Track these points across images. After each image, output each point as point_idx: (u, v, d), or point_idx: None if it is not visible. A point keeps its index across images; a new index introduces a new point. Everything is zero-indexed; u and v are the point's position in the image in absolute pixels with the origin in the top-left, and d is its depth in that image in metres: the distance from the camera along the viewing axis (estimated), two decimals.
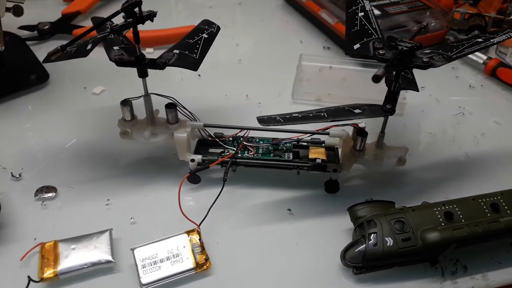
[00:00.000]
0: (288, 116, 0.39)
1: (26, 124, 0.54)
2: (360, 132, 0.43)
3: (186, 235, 0.40)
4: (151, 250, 0.38)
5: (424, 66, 0.38)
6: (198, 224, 0.40)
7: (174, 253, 0.38)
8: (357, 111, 0.39)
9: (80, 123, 0.54)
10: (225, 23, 0.75)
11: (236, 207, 0.44)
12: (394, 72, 0.40)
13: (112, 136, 0.51)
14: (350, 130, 0.45)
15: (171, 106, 0.44)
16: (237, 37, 0.71)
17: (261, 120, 0.39)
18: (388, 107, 0.40)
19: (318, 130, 0.44)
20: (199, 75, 0.63)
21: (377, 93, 0.53)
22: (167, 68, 0.41)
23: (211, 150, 0.47)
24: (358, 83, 0.62)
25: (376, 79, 0.34)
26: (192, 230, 0.40)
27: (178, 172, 0.48)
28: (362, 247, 0.37)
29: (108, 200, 0.44)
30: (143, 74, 0.42)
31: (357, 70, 0.63)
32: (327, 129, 0.44)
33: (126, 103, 0.44)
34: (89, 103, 0.58)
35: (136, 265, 0.37)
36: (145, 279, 0.37)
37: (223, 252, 0.40)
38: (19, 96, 0.58)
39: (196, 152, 0.47)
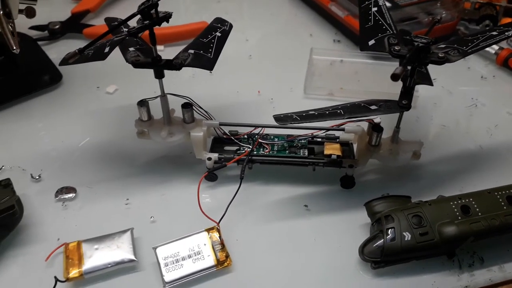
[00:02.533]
0: (304, 114, 0.39)
1: (41, 125, 0.55)
2: (376, 128, 0.43)
3: (206, 233, 0.40)
4: (173, 248, 0.39)
5: (440, 62, 0.38)
6: (218, 221, 0.41)
7: (195, 251, 0.39)
8: (373, 107, 0.40)
9: (95, 123, 0.55)
10: (234, 17, 0.74)
11: (253, 204, 0.45)
12: (409, 68, 0.40)
13: (127, 135, 0.52)
14: (365, 125, 0.45)
15: (187, 106, 0.44)
16: (246, 32, 0.71)
17: (278, 118, 0.39)
18: (404, 103, 0.40)
19: (333, 126, 0.45)
20: (210, 72, 0.62)
21: (390, 86, 0.52)
22: None
23: (227, 147, 0.48)
24: (370, 76, 0.62)
25: (395, 77, 0.34)
26: (212, 228, 0.41)
27: (194, 170, 0.48)
28: (380, 242, 0.38)
29: (128, 199, 0.45)
30: (159, 75, 0.42)
31: (369, 63, 0.63)
32: (342, 125, 0.45)
33: (143, 103, 0.44)
34: (102, 102, 0.58)
35: (159, 263, 0.38)
36: (168, 277, 0.37)
37: (242, 249, 0.41)
38: (33, 97, 0.59)
39: (212, 150, 0.47)
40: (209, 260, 0.39)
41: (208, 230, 0.41)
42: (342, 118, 0.39)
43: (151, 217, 0.43)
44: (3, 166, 0.49)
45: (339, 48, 0.67)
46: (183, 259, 0.38)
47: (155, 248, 0.39)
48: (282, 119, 0.39)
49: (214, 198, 0.46)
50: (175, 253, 0.39)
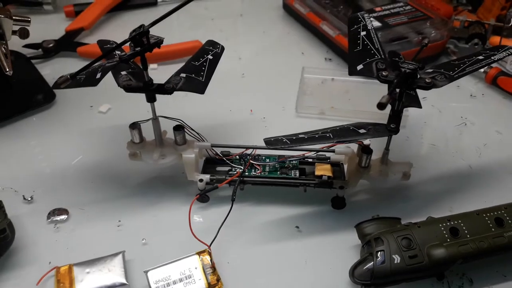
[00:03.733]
0: (294, 138, 0.40)
1: (34, 145, 0.55)
2: (365, 150, 0.44)
3: (197, 256, 0.41)
4: (164, 272, 0.39)
5: (427, 87, 0.39)
6: (209, 244, 0.41)
7: (186, 274, 0.39)
8: (361, 131, 0.40)
9: (88, 142, 0.55)
10: (227, 35, 0.76)
11: (245, 225, 0.45)
12: (397, 91, 0.40)
13: (120, 155, 0.52)
14: (354, 147, 0.46)
15: (179, 128, 0.45)
16: (239, 50, 0.72)
17: (268, 142, 0.39)
18: (392, 127, 0.41)
19: (323, 148, 0.45)
20: None
21: None
22: None
23: (218, 168, 0.48)
24: (361, 95, 0.62)
25: (381, 107, 0.35)
26: (203, 251, 0.41)
27: (187, 191, 0.48)
28: (370, 264, 0.38)
29: (119, 221, 0.45)
30: (151, 99, 0.43)
31: (360, 82, 0.64)
32: (332, 146, 0.45)
33: (134, 126, 0.45)
34: (96, 121, 0.58)
35: (150, 287, 0.38)
36: None
37: (234, 271, 0.41)
38: (26, 116, 0.59)
39: (204, 170, 0.48)
40: (200, 283, 0.39)
41: (199, 253, 0.41)
42: (331, 141, 0.40)
43: (142, 239, 0.44)
44: None
45: (330, 66, 0.68)
46: (174, 283, 0.39)
47: (146, 272, 0.39)
48: (273, 143, 0.39)
49: (206, 219, 0.46)
50: (166, 277, 0.39)
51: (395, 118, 0.41)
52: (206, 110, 0.60)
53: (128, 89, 0.41)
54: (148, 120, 0.45)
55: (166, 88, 0.41)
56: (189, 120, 0.46)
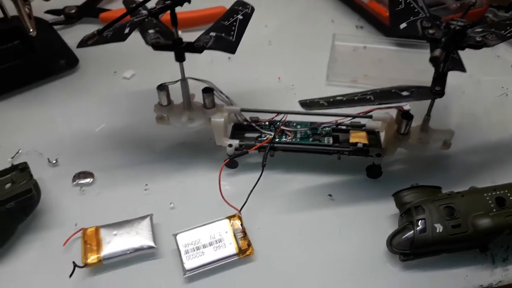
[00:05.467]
0: (332, 100, 0.38)
1: (57, 110, 0.54)
2: (405, 115, 0.41)
3: (227, 220, 0.39)
4: (193, 235, 0.38)
5: (478, 46, 0.36)
6: (239, 209, 0.40)
7: (216, 238, 0.38)
8: (404, 93, 0.38)
9: (111, 108, 0.54)
10: (252, 2, 0.73)
11: (275, 192, 0.43)
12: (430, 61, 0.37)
13: (145, 121, 0.50)
14: (393, 113, 0.43)
15: (208, 91, 0.43)
16: (265, 18, 0.69)
17: (304, 104, 0.37)
18: (437, 89, 0.38)
19: (360, 113, 0.43)
20: (229, 58, 0.61)
21: (415, 74, 0.51)
22: None
23: (247, 134, 0.46)
24: (394, 63, 0.60)
25: (434, 60, 0.32)
26: (233, 216, 0.40)
27: (214, 157, 0.47)
28: (409, 233, 0.36)
29: (146, 185, 0.44)
30: (180, 58, 0.41)
31: (393, 50, 0.61)
32: (369, 112, 0.43)
33: (162, 88, 0.43)
34: (120, 87, 0.57)
35: (179, 250, 0.37)
36: (188, 264, 0.36)
37: (265, 237, 0.39)
38: (49, 82, 0.58)
39: (232, 136, 0.46)
40: (230, 248, 0.37)
41: (230, 217, 0.39)
42: (372, 104, 0.37)
43: (170, 204, 0.42)
44: (19, 150, 0.48)
45: (362, 34, 0.65)
46: (204, 246, 0.37)
47: (175, 235, 0.38)
48: (308, 105, 0.37)
49: (234, 185, 0.44)
50: (196, 240, 0.38)
51: (440, 80, 0.39)
52: (232, 77, 0.58)
53: (157, 47, 0.40)
54: (176, 81, 0.43)
55: (196, 46, 0.39)
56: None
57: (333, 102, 0.37)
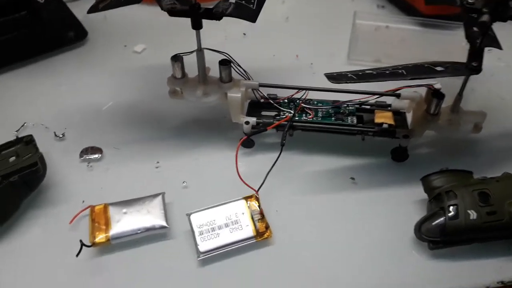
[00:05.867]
0: (361, 73, 0.35)
1: (65, 83, 0.51)
2: (436, 94, 0.38)
3: (244, 201, 0.37)
4: (208, 216, 0.36)
5: None
6: (256, 190, 0.37)
7: (232, 219, 0.35)
8: (438, 68, 0.35)
9: (121, 83, 0.51)
10: None
11: (294, 174, 0.41)
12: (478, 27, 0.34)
13: (156, 96, 0.48)
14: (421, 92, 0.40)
15: (226, 63, 0.40)
16: None
17: (331, 77, 0.35)
18: (474, 65, 0.35)
19: (388, 91, 0.40)
20: (244, 34, 0.58)
21: (441, 55, 0.48)
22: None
23: (264, 112, 0.44)
24: (418, 44, 0.57)
25: (483, 26, 0.29)
26: (250, 196, 0.37)
27: (228, 135, 0.44)
28: (440, 220, 0.34)
29: (158, 162, 0.42)
30: (197, 26, 0.38)
31: (416, 30, 0.58)
32: (397, 90, 0.40)
33: (177, 58, 0.40)
34: (130, 62, 0.54)
35: (193, 231, 0.35)
36: (203, 246, 0.34)
37: (283, 220, 0.37)
38: (57, 54, 0.55)
39: (248, 114, 0.43)
40: (247, 230, 0.35)
41: (246, 198, 0.37)
42: (404, 78, 0.34)
43: (183, 182, 0.40)
44: (25, 123, 0.46)
45: (383, 13, 0.62)
46: (220, 228, 0.35)
47: (189, 215, 0.36)
48: (335, 78, 0.34)
49: (250, 165, 0.42)
50: (211, 221, 0.35)
51: (477, 55, 0.36)
52: (247, 54, 0.54)
53: (172, 12, 0.37)
54: (191, 52, 0.40)
55: (215, 13, 0.36)
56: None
57: (362, 75, 0.34)
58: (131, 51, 0.55)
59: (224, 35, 0.58)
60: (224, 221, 0.35)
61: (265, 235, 0.35)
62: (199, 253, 0.34)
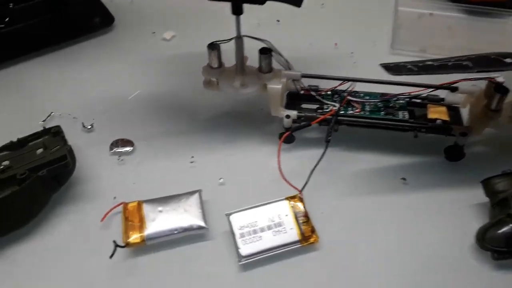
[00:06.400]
0: (421, 64, 0.32)
1: (91, 71, 0.49)
2: (499, 88, 0.35)
3: (287, 201, 0.34)
4: (249, 217, 0.33)
5: None
6: (300, 189, 0.34)
7: (275, 221, 0.33)
8: (508, 60, 0.31)
9: (149, 72, 0.49)
10: None
11: (338, 173, 0.38)
12: None
13: (187, 86, 0.46)
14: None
15: (266, 52, 0.37)
16: None
17: (388, 67, 0.31)
18: None
19: (443, 84, 0.37)
20: (277, 21, 0.55)
21: (487, 44, 0.45)
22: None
23: (304, 105, 0.41)
24: (465, 32, 0.53)
25: None
26: (293, 197, 0.34)
27: (264, 129, 0.42)
28: (507, 228, 0.31)
29: (192, 157, 0.39)
30: (238, 11, 0.35)
31: (462, 18, 0.54)
32: (453, 83, 0.37)
33: (214, 47, 0.37)
34: (158, 50, 0.52)
35: (233, 233, 0.32)
36: (244, 250, 0.32)
37: (329, 224, 0.34)
38: (82, 41, 0.53)
39: (287, 107, 0.40)
40: (292, 233, 0.32)
41: (289, 198, 0.34)
42: (470, 71, 0.31)
43: (220, 179, 0.37)
44: (52, 113, 0.43)
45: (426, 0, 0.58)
46: (262, 230, 0.32)
47: (228, 215, 0.33)
48: (393, 69, 0.31)
49: (289, 163, 0.39)
50: (252, 223, 0.33)
51: None
52: (282, 42, 0.51)
53: None
54: (230, 39, 0.38)
55: None
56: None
57: (423, 67, 0.31)
58: (159, 38, 0.53)
59: (257, 22, 0.55)
60: (267, 223, 0.33)
61: (311, 240, 0.32)
62: (240, 257, 0.31)
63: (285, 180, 0.34)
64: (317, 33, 0.53)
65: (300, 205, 0.34)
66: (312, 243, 0.32)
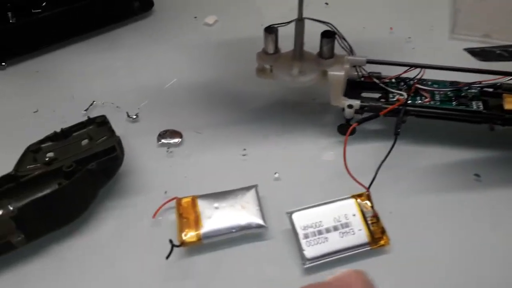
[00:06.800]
0: (511, 49, 0.28)
1: (132, 58, 0.47)
2: None
3: (354, 200, 0.31)
4: (313, 216, 0.30)
5: None
6: (367, 187, 0.32)
7: (342, 222, 0.30)
8: None
9: (192, 58, 0.46)
10: None
11: (405, 168, 0.35)
12: None
13: (233, 74, 0.43)
14: None
15: (330, 35, 0.34)
16: None
17: (474, 52, 0.28)
18: None
19: None
20: (326, 3, 0.52)
21: None
22: None
23: (364, 94, 0.38)
24: None
25: None
26: (360, 195, 0.32)
27: (319, 121, 0.39)
28: None
29: (244, 149, 0.37)
30: None
31: None
32: None
33: (271, 30, 0.35)
34: (201, 35, 0.49)
35: (296, 233, 0.30)
36: (309, 252, 0.29)
37: (398, 224, 0.31)
38: (121, 26, 0.51)
39: (346, 95, 0.37)
40: (360, 235, 0.30)
41: (356, 196, 0.31)
42: None
43: (275, 174, 0.35)
44: (94, 101, 0.41)
45: None
46: (327, 231, 0.30)
47: (290, 214, 0.31)
48: (481, 54, 0.28)
49: (349, 157, 0.36)
50: (317, 223, 0.30)
51: None
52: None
53: None
54: (289, 22, 0.35)
55: None
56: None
57: None
58: (201, 23, 0.50)
59: (304, 4, 0.52)
60: (333, 223, 0.30)
61: (381, 242, 0.30)
62: (305, 259, 0.29)
63: (352, 176, 0.31)
64: (370, 16, 0.50)
65: (368, 204, 0.31)
66: (383, 245, 0.30)
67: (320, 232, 0.30)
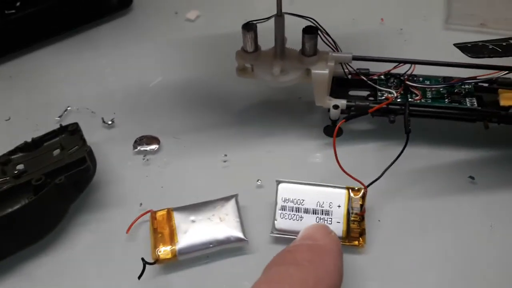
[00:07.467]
0: (505, 44, 0.26)
1: (108, 58, 0.45)
2: None
3: (346, 191, 0.29)
4: (299, 192, 0.29)
5: None
6: (366, 185, 0.29)
7: (324, 208, 0.29)
8: None
9: (172, 56, 0.44)
10: None
11: (394, 169, 0.32)
12: None
13: (215, 73, 0.41)
14: None
15: (312, 31, 0.32)
16: None
17: (465, 48, 0.26)
18: None
19: None
20: None
21: None
22: None
23: (352, 92, 0.36)
24: None
25: None
26: (356, 189, 0.29)
27: (306, 122, 0.37)
28: None
29: (225, 155, 0.35)
30: None
31: None
32: None
33: (250, 27, 0.32)
34: (182, 31, 0.47)
35: (276, 202, 0.29)
36: (279, 223, 0.29)
37: (381, 225, 0.30)
38: (98, 25, 0.48)
39: (332, 94, 0.35)
40: (337, 227, 0.28)
41: (350, 189, 0.29)
42: None
43: (257, 181, 0.33)
44: (68, 107, 0.39)
45: None
46: (306, 211, 0.29)
47: (278, 182, 0.30)
48: (473, 50, 0.26)
49: (331, 159, 0.34)
50: (299, 200, 0.29)
51: None
52: (321, 19, 0.46)
53: None
54: (268, 18, 0.32)
55: None
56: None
57: (509, 47, 0.25)
58: (183, 19, 0.48)
59: None
60: (314, 206, 0.29)
61: (356, 243, 0.28)
62: (273, 228, 0.29)
63: (348, 174, 0.29)
64: (360, 7, 0.47)
65: (359, 201, 0.29)
66: (356, 245, 0.28)
67: (298, 210, 0.29)
